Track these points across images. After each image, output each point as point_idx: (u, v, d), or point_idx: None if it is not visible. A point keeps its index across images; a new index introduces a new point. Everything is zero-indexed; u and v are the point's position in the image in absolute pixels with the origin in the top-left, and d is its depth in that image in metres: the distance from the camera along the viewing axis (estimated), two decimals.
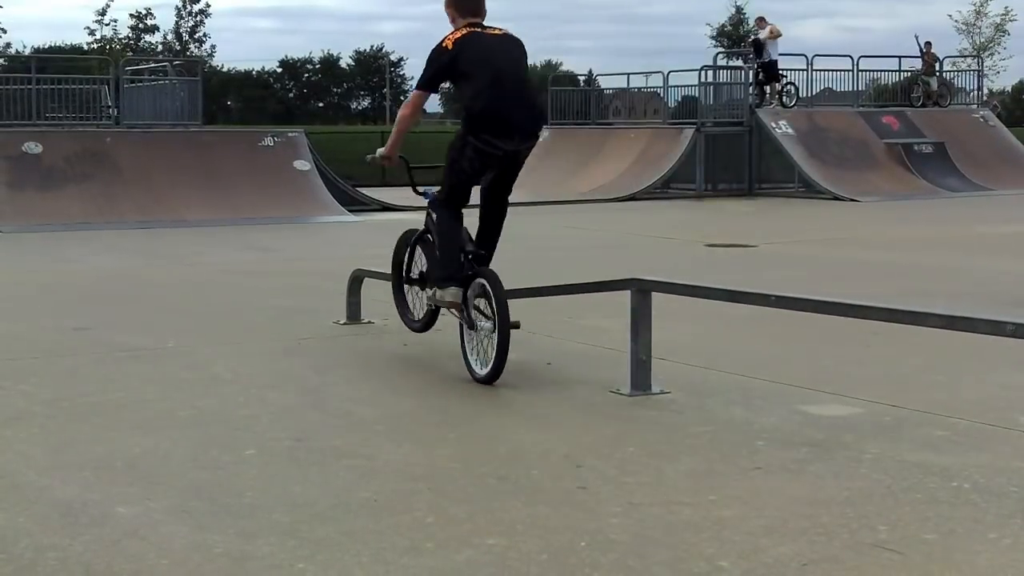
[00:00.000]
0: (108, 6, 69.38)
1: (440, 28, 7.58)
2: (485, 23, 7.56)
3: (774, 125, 27.26)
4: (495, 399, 7.10)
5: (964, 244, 16.58)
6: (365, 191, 24.27)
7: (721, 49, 65.77)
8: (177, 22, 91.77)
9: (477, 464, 5.74)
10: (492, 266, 7.66)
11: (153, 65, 29.45)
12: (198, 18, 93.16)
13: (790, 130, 27.22)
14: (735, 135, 27.83)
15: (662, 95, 30.09)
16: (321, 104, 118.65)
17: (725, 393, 7.22)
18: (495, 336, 7.20)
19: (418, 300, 8.35)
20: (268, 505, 5.12)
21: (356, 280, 9.86)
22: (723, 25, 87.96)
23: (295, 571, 4.38)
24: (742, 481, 5.44)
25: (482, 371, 7.37)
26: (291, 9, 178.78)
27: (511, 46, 7.54)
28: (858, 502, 5.11)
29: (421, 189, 7.97)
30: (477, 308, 7.48)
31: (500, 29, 7.59)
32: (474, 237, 7.78)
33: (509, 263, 14.27)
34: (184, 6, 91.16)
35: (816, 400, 7.03)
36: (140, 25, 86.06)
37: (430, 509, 5.06)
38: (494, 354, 7.23)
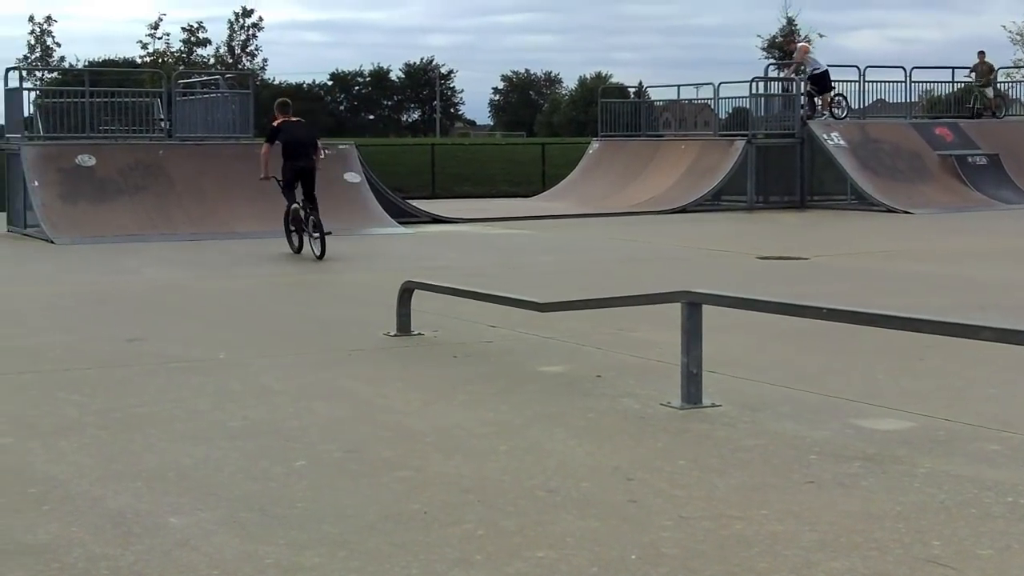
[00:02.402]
0: (161, 20, 69.86)
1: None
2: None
3: (826, 137, 27.08)
4: (545, 411, 7.09)
5: (1019, 256, 16.41)
6: (416, 203, 24.35)
7: (772, 60, 65.48)
8: (229, 35, 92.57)
9: (527, 477, 5.74)
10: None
11: (205, 78, 29.60)
12: (250, 32, 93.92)
13: (842, 142, 27.03)
14: (786, 147, 27.66)
15: (713, 107, 29.94)
16: (371, 117, 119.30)
17: (777, 406, 7.17)
18: (316, 241, 16.26)
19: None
20: (318, 516, 5.13)
21: (406, 292, 9.88)
22: (774, 36, 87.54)
23: None
24: (794, 495, 5.41)
25: (317, 252, 16.14)
26: (341, 22, 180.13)
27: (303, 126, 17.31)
28: (912, 517, 5.06)
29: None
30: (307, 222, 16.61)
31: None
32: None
33: (559, 275, 14.33)
34: (236, 20, 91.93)
35: (869, 414, 6.97)
36: (192, 39, 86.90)
37: (480, 521, 5.05)
38: (318, 246, 16.19)
